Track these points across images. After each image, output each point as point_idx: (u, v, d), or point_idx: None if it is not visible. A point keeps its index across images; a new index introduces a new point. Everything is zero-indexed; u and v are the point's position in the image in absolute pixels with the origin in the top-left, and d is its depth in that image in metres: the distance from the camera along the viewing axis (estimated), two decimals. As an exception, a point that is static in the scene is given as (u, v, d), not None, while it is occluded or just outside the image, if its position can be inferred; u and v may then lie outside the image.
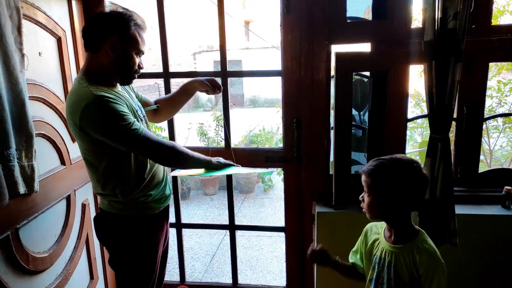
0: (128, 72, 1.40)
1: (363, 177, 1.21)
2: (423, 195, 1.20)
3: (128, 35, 1.35)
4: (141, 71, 1.47)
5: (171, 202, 1.66)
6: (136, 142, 1.32)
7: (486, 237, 1.70)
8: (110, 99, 1.29)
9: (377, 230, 1.32)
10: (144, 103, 1.66)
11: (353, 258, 1.41)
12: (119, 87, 1.47)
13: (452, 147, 1.75)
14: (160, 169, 1.55)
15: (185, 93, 1.73)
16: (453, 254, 1.55)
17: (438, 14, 1.44)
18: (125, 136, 1.30)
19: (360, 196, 1.25)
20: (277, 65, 1.88)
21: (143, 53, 1.42)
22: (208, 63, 15.30)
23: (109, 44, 1.32)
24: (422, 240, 1.21)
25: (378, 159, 1.21)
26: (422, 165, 1.23)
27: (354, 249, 1.42)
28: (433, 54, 1.47)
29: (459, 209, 1.65)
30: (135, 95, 1.60)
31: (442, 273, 1.15)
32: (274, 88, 14.34)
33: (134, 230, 1.47)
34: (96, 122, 1.28)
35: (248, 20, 17.01)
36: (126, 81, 1.45)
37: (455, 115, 1.70)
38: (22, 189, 1.38)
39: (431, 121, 1.55)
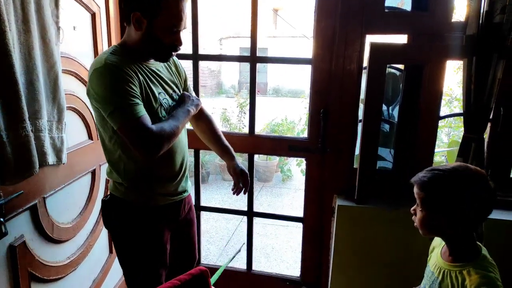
0: (159, 50, 1.27)
1: (415, 189, 1.07)
2: (490, 210, 1.03)
3: (153, 12, 1.19)
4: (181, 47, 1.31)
5: (192, 184, 1.59)
6: (127, 125, 1.17)
7: (513, 244, 1.63)
8: (119, 70, 1.18)
9: (439, 239, 1.20)
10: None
11: None
12: (153, 62, 1.35)
13: (484, 148, 1.68)
14: (176, 162, 1.40)
15: (224, 156, 1.62)
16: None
17: (483, 7, 1.37)
18: (119, 115, 1.17)
19: (412, 209, 1.12)
20: (304, 55, 1.83)
21: (179, 29, 1.25)
22: (234, 49, 15.20)
23: (133, 20, 1.21)
24: (480, 265, 1.03)
25: (433, 169, 1.05)
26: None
27: None
28: (475, 49, 1.40)
29: (488, 213, 1.60)
30: (179, 77, 1.47)
31: None
32: (298, 79, 14.30)
33: (135, 218, 1.37)
34: (94, 87, 1.19)
35: (276, 8, 16.77)
36: (160, 59, 1.32)
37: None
38: (51, 160, 1.41)
39: (466, 120, 1.49)
